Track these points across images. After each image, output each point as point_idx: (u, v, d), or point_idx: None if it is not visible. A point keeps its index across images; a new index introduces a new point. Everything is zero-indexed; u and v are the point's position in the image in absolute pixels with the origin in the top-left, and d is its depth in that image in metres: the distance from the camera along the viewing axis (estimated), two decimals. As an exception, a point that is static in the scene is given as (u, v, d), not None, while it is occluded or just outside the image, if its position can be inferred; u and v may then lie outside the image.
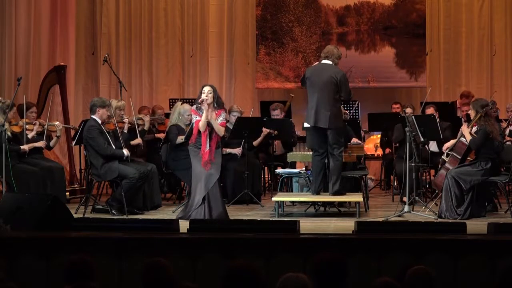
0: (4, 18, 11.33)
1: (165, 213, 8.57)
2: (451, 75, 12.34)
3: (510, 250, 5.28)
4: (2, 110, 8.39)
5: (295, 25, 12.30)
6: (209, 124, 7.80)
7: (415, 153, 8.22)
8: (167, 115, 9.98)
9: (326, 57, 8.30)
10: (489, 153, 8.06)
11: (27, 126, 8.77)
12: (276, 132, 9.73)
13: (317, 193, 8.34)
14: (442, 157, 8.56)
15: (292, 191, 9.42)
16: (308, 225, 7.26)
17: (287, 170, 9.35)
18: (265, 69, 12.39)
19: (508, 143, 8.98)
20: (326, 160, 8.33)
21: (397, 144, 9.83)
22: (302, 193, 9.05)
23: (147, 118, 9.48)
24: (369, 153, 11.05)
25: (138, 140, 9.04)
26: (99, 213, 8.49)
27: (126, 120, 8.97)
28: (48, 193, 8.09)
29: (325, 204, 8.73)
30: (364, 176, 8.94)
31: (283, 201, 8.48)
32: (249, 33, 12.49)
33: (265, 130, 9.64)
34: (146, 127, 9.42)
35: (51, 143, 9.16)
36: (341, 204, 8.79)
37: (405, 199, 8.19)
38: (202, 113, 7.79)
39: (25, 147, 8.65)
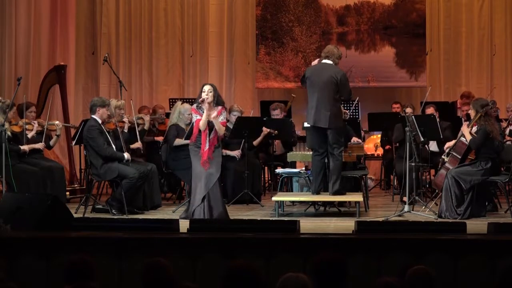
0: (4, 18, 11.33)
1: (165, 213, 8.57)
2: (451, 75, 12.34)
3: (510, 250, 5.28)
4: (2, 110, 8.39)
5: (295, 25, 12.30)
6: (209, 123, 7.80)
7: (415, 153, 8.22)
8: (167, 115, 9.98)
9: (327, 57, 8.30)
10: (489, 152, 8.06)
11: (27, 126, 8.77)
12: (276, 132, 9.73)
13: (317, 193, 8.34)
14: (442, 156, 8.56)
15: (292, 191, 9.42)
16: (308, 225, 7.25)
17: (287, 170, 9.35)
18: (265, 69, 12.39)
19: (508, 142, 8.98)
20: (326, 160, 8.33)
21: (397, 144, 9.83)
22: (302, 193, 9.05)
23: (147, 118, 9.48)
24: (369, 153, 11.05)
25: (138, 144, 9.00)
26: (99, 213, 8.49)
27: (126, 119, 8.97)
28: (48, 193, 8.09)
29: (325, 204, 8.73)
30: (364, 176, 8.94)
31: (283, 201, 8.48)
32: (249, 33, 12.49)
33: (265, 130, 9.64)
34: (146, 127, 9.42)
35: (51, 142, 9.16)
36: (341, 204, 8.79)
37: (405, 199, 8.19)
38: (203, 112, 7.79)
39: (25, 147, 8.65)
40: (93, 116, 8.49)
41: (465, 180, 7.95)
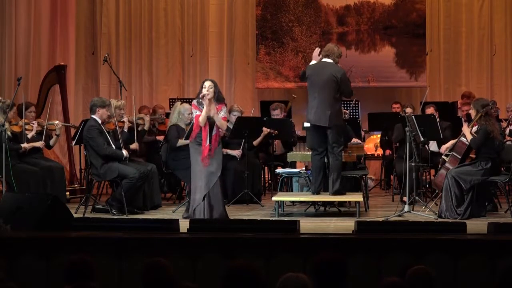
0: (4, 18, 11.33)
1: (165, 213, 8.57)
2: (451, 75, 12.34)
3: (510, 250, 5.28)
4: (2, 110, 8.40)
5: (295, 25, 12.30)
6: (209, 119, 7.80)
7: (415, 153, 8.22)
8: (167, 115, 9.98)
9: (327, 56, 8.30)
10: (490, 152, 8.06)
11: (26, 126, 8.77)
12: (276, 132, 9.73)
13: (317, 193, 8.33)
14: (442, 156, 8.56)
15: (292, 191, 9.42)
16: (308, 225, 7.25)
17: (287, 170, 9.35)
18: (265, 69, 12.39)
19: (508, 142, 8.98)
20: (325, 160, 8.33)
21: (397, 144, 9.83)
22: (302, 193, 9.05)
23: (147, 118, 9.47)
24: (369, 153, 11.05)
25: (135, 146, 8.99)
26: (99, 213, 8.49)
27: (126, 119, 8.96)
28: (48, 193, 8.09)
29: (325, 204, 8.73)
30: (364, 176, 8.94)
31: (283, 201, 8.48)
32: (249, 33, 12.49)
33: (265, 130, 9.64)
34: (146, 127, 9.42)
35: (51, 142, 9.16)
36: (341, 204, 8.79)
37: (405, 199, 8.19)
38: (203, 108, 7.79)
39: (25, 145, 8.65)
40: (93, 116, 8.49)
41: (465, 180, 7.95)
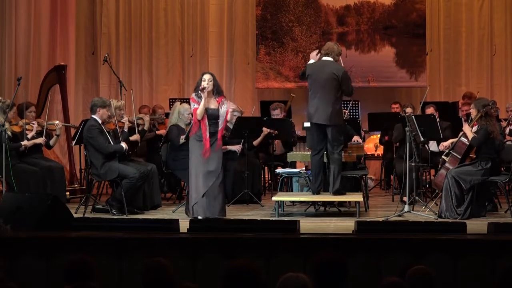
0: (4, 18, 11.33)
1: (165, 213, 8.57)
2: (451, 75, 12.34)
3: (510, 250, 5.28)
4: (2, 110, 8.40)
5: (295, 25, 12.30)
6: (208, 111, 7.79)
7: (415, 153, 8.22)
8: (167, 115, 9.98)
9: (327, 54, 8.30)
10: (490, 152, 8.05)
11: (26, 126, 8.77)
12: (276, 132, 9.74)
13: (317, 193, 8.33)
14: (442, 156, 8.56)
15: (292, 191, 9.42)
16: (308, 225, 7.25)
17: (287, 170, 9.35)
18: (265, 69, 12.39)
19: (508, 142, 8.98)
20: (325, 160, 8.33)
21: (397, 143, 9.83)
22: (302, 193, 9.05)
23: (147, 118, 9.47)
24: (369, 153, 11.05)
25: (136, 136, 8.99)
26: (99, 213, 8.49)
27: (126, 119, 8.96)
28: (48, 193, 8.09)
29: (325, 204, 8.73)
30: (364, 176, 8.94)
31: (283, 201, 8.48)
32: (249, 33, 12.49)
33: (265, 130, 9.65)
34: (146, 127, 9.41)
35: (51, 142, 9.16)
36: (341, 204, 8.79)
37: (405, 199, 8.19)
38: (201, 100, 7.79)
39: (26, 142, 8.65)
40: (93, 116, 8.49)
41: (465, 180, 7.95)
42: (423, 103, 9.67)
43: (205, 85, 7.79)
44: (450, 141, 8.50)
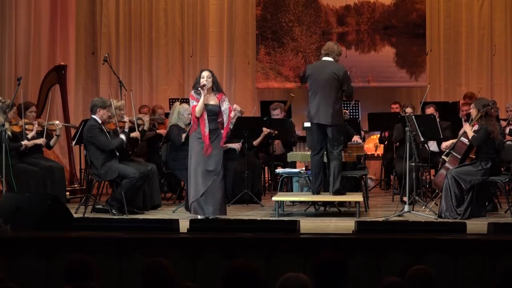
0: (4, 18, 11.33)
1: (165, 213, 8.57)
2: (451, 75, 12.34)
3: (510, 250, 5.28)
4: (2, 110, 8.40)
5: (295, 25, 12.30)
6: (207, 107, 7.79)
7: (415, 153, 8.22)
8: (167, 115, 9.98)
9: (327, 54, 8.31)
10: (490, 152, 8.06)
11: (26, 126, 8.77)
12: (276, 132, 9.73)
13: (317, 193, 8.33)
14: (442, 156, 8.56)
15: (292, 191, 9.42)
16: (308, 225, 7.25)
17: (287, 170, 9.35)
18: (265, 69, 12.39)
19: (508, 142, 8.98)
20: (325, 160, 8.33)
21: (397, 143, 9.83)
22: (302, 193, 9.05)
23: (146, 118, 9.46)
24: (369, 153, 11.05)
25: (136, 134, 8.97)
26: (99, 213, 8.49)
27: (126, 119, 8.95)
28: (48, 193, 8.09)
29: (325, 204, 8.73)
30: (364, 176, 8.94)
31: (283, 201, 8.48)
32: (249, 33, 12.49)
33: (265, 130, 9.65)
34: (146, 127, 9.40)
35: (51, 142, 9.17)
36: (341, 204, 8.79)
37: (405, 199, 8.19)
38: (201, 97, 7.79)
39: (26, 142, 8.65)
40: (93, 116, 8.49)
41: (465, 180, 7.95)
42: (423, 103, 9.67)
43: (205, 82, 7.79)
44: (452, 141, 8.50)
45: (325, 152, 8.31)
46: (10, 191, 8.00)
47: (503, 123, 9.57)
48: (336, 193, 8.23)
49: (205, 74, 7.87)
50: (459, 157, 8.23)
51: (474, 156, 8.15)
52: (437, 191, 8.65)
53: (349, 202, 8.78)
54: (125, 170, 8.36)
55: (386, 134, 10.46)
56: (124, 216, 8.05)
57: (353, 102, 10.67)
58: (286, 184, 9.57)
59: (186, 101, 9.93)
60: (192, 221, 6.00)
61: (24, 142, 8.63)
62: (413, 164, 8.18)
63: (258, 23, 12.37)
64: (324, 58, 8.32)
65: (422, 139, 8.41)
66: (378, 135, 11.02)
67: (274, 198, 8.34)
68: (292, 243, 5.48)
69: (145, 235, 5.68)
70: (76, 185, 10.09)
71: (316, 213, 8.62)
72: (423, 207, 8.42)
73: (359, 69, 12.05)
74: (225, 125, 7.89)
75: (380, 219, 7.64)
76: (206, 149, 7.75)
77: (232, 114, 7.91)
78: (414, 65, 12.22)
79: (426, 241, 5.42)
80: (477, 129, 8.08)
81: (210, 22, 12.54)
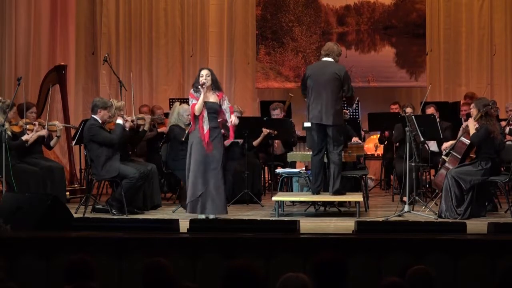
0: (4, 18, 11.33)
1: (165, 213, 8.57)
2: (451, 75, 12.34)
3: (510, 250, 5.28)
4: (2, 110, 8.40)
5: (295, 25, 12.30)
6: (206, 104, 7.79)
7: (415, 153, 8.22)
8: (166, 115, 9.98)
9: (327, 55, 8.31)
10: (489, 152, 8.05)
11: (27, 126, 8.77)
12: (275, 132, 9.73)
13: (317, 193, 8.33)
14: (442, 156, 8.56)
15: (292, 191, 9.42)
16: (308, 225, 7.25)
17: (287, 170, 9.35)
18: (265, 69, 12.39)
19: (508, 142, 8.98)
20: (325, 160, 8.33)
21: (397, 143, 9.83)
22: (302, 193, 9.05)
23: (148, 119, 9.45)
24: (369, 153, 11.05)
25: (130, 119, 8.91)
26: (99, 213, 8.49)
27: (128, 119, 8.94)
28: (48, 193, 8.09)
29: (325, 204, 8.73)
30: (364, 176, 8.94)
31: (283, 201, 8.48)
32: (249, 33, 12.50)
33: (265, 131, 9.65)
34: (146, 127, 9.40)
35: (51, 143, 9.17)
36: (341, 204, 8.79)
37: (405, 199, 8.19)
38: (200, 95, 7.80)
39: (27, 137, 8.63)
40: (94, 116, 8.49)
41: (465, 180, 7.95)
42: (423, 103, 9.67)
43: (204, 81, 7.80)
44: (452, 142, 8.49)
45: (325, 152, 8.31)
46: (10, 191, 8.00)
47: (503, 123, 9.56)
48: (336, 193, 8.23)
49: (204, 72, 7.87)
50: (459, 157, 8.23)
51: (474, 156, 8.15)
52: (437, 191, 8.65)
53: (349, 202, 8.78)
54: (125, 170, 8.36)
55: (386, 134, 10.46)
56: (124, 216, 8.05)
57: (355, 103, 10.65)
58: (286, 184, 9.57)
59: (186, 101, 9.94)
60: (192, 221, 6.00)
61: (25, 137, 8.61)
62: (413, 164, 8.18)
63: (258, 23, 12.37)
64: (324, 59, 8.32)
65: (422, 139, 8.41)
66: (378, 135, 11.02)
67: (274, 198, 8.34)
68: (292, 243, 5.48)
69: (145, 235, 5.68)
70: (76, 185, 10.09)
71: (316, 213, 8.62)
72: (423, 207, 8.42)
73: (359, 69, 12.05)
74: (229, 125, 7.88)
75: (380, 219, 7.64)
76: (206, 146, 7.74)
77: (233, 122, 7.87)
78: (414, 65, 12.22)
79: (426, 241, 5.42)
80: (478, 128, 8.08)
81: (210, 22, 12.54)
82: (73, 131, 9.99)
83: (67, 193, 9.29)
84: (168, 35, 12.51)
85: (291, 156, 9.25)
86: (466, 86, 12.07)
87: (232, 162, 9.37)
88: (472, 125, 8.10)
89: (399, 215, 7.94)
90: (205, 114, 7.80)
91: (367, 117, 10.84)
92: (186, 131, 8.72)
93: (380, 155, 11.00)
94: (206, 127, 7.78)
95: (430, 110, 9.45)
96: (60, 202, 6.45)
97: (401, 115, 9.55)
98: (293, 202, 9.07)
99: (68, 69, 10.81)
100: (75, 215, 7.23)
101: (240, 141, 9.38)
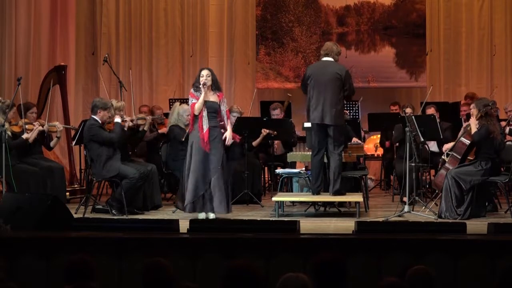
0: (4, 18, 11.33)
1: (165, 213, 8.56)
2: (451, 75, 12.34)
3: (510, 250, 5.28)
4: (2, 110, 8.40)
5: (295, 25, 12.31)
6: (206, 103, 7.79)
7: (415, 153, 8.22)
8: (166, 115, 9.98)
9: (326, 54, 8.30)
10: (489, 152, 8.06)
11: (27, 126, 8.76)
12: (275, 132, 9.73)
13: (317, 193, 8.33)
14: (442, 157, 8.56)
15: (292, 191, 9.42)
16: (308, 225, 7.25)
17: (287, 170, 9.34)
18: (265, 69, 12.39)
19: (508, 142, 8.98)
20: (325, 160, 8.33)
21: (397, 143, 9.83)
22: (302, 193, 9.05)
23: (149, 119, 9.44)
24: (369, 153, 11.05)
25: (129, 119, 8.89)
26: (99, 213, 8.49)
27: (127, 119, 8.95)
28: (48, 193, 8.09)
29: (325, 204, 8.73)
30: (364, 176, 8.94)
31: (283, 201, 8.48)
32: (249, 33, 12.50)
33: (265, 131, 9.64)
34: (146, 128, 9.39)
35: (51, 144, 9.17)
36: (341, 204, 8.79)
37: (405, 199, 8.19)
38: (200, 95, 7.80)
39: (27, 135, 8.62)
40: (93, 116, 8.48)
41: (465, 181, 7.95)
42: (424, 103, 9.67)
43: (205, 81, 7.81)
44: (453, 143, 8.49)
45: (325, 152, 8.30)
46: (10, 191, 8.00)
47: (503, 123, 9.56)
48: (336, 193, 8.23)
49: (205, 73, 7.88)
50: (459, 157, 8.23)
51: (474, 157, 8.15)
52: (437, 191, 8.65)
53: (349, 202, 8.78)
54: (125, 170, 8.36)
55: (388, 144, 10.48)
56: (124, 216, 8.05)
57: (353, 102, 10.65)
58: (286, 184, 9.56)
59: (186, 101, 9.94)
60: (192, 221, 6.00)
61: (25, 136, 8.61)
62: (413, 164, 8.18)
63: (258, 23, 12.38)
64: (324, 59, 8.31)
65: (422, 139, 8.41)
66: (379, 135, 11.02)
67: (274, 199, 8.34)
68: (292, 243, 5.48)
69: (145, 235, 5.68)
70: (76, 186, 10.09)
71: (316, 213, 8.62)
72: (423, 207, 8.42)
73: (359, 69, 12.05)
74: (227, 127, 7.89)
75: (380, 220, 7.64)
76: (204, 146, 7.74)
77: (227, 143, 7.90)
78: (414, 65, 12.23)
79: (426, 241, 5.42)
80: (479, 128, 8.08)
81: (210, 22, 12.55)
82: (73, 132, 9.98)
83: (67, 193, 9.29)
84: (168, 35, 12.51)
85: (291, 156, 9.25)
86: (466, 87, 12.07)
87: (232, 162, 9.36)
88: (474, 125, 8.11)
89: (399, 216, 7.93)
90: (204, 113, 7.81)
91: (367, 117, 10.84)
92: (186, 131, 8.72)
93: (380, 155, 11.00)
94: (205, 126, 7.79)
95: (431, 111, 9.45)
96: (60, 202, 6.45)
97: (401, 116, 9.55)
98: (293, 202, 9.07)
99: (68, 69, 10.81)
100: (75, 215, 7.23)
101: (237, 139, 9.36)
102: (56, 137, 9.12)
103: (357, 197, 8.39)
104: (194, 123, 7.86)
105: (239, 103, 11.35)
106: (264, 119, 9.99)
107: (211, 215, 7.82)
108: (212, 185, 7.77)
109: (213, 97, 7.88)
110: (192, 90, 7.94)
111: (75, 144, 9.72)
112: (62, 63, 10.73)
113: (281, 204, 8.34)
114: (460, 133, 8.45)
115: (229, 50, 12.55)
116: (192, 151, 7.84)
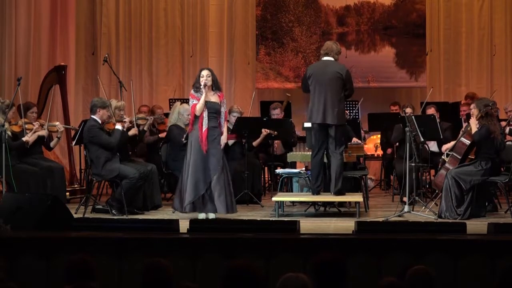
0: (4, 18, 11.32)
1: (165, 213, 8.56)
2: (451, 75, 12.34)
3: (510, 250, 5.28)
4: (2, 110, 8.40)
5: (295, 25, 12.31)
6: (207, 103, 7.79)
7: (415, 153, 8.22)
8: (166, 115, 9.98)
9: (326, 54, 8.29)
10: (489, 152, 8.06)
11: (26, 126, 8.77)
12: (275, 132, 9.73)
13: (317, 193, 8.33)
14: (442, 157, 8.56)
15: (292, 191, 9.42)
16: (308, 225, 7.25)
17: (287, 170, 9.34)
18: (265, 69, 12.39)
19: (508, 142, 8.98)
20: (325, 160, 8.33)
21: (397, 143, 9.83)
22: (302, 193, 9.05)
23: (150, 120, 9.42)
24: (369, 153, 11.05)
25: (135, 130, 8.90)
26: (99, 213, 8.49)
27: (126, 119, 8.94)
28: (48, 193, 8.09)
29: (325, 204, 8.73)
30: (364, 176, 8.94)
31: (283, 201, 8.48)
32: (249, 33, 12.50)
33: (265, 131, 9.64)
34: (146, 128, 9.40)
35: (52, 144, 9.17)
36: (341, 204, 8.79)
37: (405, 199, 8.19)
38: (201, 95, 7.79)
39: (27, 138, 8.62)
40: (93, 116, 8.48)
41: (465, 181, 7.95)
42: (424, 103, 9.67)
43: (205, 81, 7.80)
44: (453, 143, 8.50)
45: (325, 152, 8.30)
46: (10, 191, 8.00)
47: (503, 123, 9.57)
48: (338, 193, 8.22)
49: (205, 73, 7.88)
50: (459, 157, 8.23)
51: (474, 156, 8.15)
52: (437, 191, 8.65)
53: (349, 202, 8.78)
54: (125, 170, 8.36)
55: (389, 151, 10.48)
56: (124, 216, 8.05)
57: (353, 102, 10.65)
58: (286, 185, 9.56)
59: (186, 101, 9.94)
60: (192, 221, 6.00)
61: (25, 138, 8.61)
62: (413, 164, 8.18)
63: (258, 23, 12.38)
64: (324, 58, 8.31)
65: (422, 139, 8.41)
66: (379, 135, 11.03)
67: (274, 199, 8.34)
68: (292, 243, 5.48)
69: (145, 235, 5.67)
70: (76, 186, 10.09)
71: (316, 213, 8.62)
72: (423, 207, 8.42)
73: (359, 69, 12.06)
74: (223, 129, 7.89)
75: (380, 219, 7.64)
76: (203, 146, 7.74)
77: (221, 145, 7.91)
78: (414, 65, 12.23)
79: (426, 241, 5.42)
80: (479, 127, 8.08)
81: (210, 22, 12.55)
82: (73, 132, 9.98)
83: (67, 193, 9.29)
84: (168, 35, 12.52)
85: (291, 156, 9.25)
86: (466, 87, 12.07)
87: (232, 162, 9.36)
88: (474, 125, 8.11)
89: (399, 215, 7.94)
90: (205, 114, 7.81)
91: (367, 117, 10.84)
92: (186, 131, 8.72)
93: (380, 155, 11.01)
94: (205, 127, 7.79)
95: (431, 111, 9.45)
96: (60, 202, 6.45)
97: (401, 116, 9.55)
98: (293, 202, 9.07)
99: (68, 69, 10.80)
100: (75, 215, 7.23)
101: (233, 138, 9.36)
102: (57, 137, 9.12)
103: (357, 197, 8.39)
104: (194, 123, 7.86)
105: (239, 103, 11.35)
106: (264, 119, 9.98)
107: (211, 215, 7.82)
108: (213, 186, 7.77)
109: (213, 98, 7.88)
110: (192, 91, 7.93)
111: (75, 144, 9.72)
112: (62, 63, 10.73)
113: (281, 204, 8.34)
114: (461, 133, 8.45)
115: (229, 50, 12.55)
116: (192, 150, 7.84)
